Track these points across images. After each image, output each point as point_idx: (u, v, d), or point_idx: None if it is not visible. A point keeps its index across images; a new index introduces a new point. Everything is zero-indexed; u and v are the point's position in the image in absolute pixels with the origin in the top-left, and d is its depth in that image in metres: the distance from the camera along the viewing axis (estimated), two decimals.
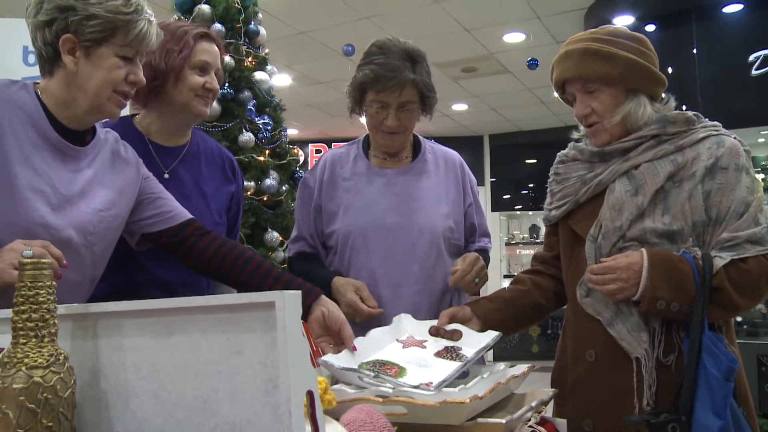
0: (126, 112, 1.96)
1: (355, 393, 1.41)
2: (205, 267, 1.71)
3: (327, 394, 1.20)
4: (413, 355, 1.60)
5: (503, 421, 1.30)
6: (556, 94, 1.92)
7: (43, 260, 0.82)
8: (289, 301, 0.75)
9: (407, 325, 1.76)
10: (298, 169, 3.87)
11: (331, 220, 2.10)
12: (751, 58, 4.88)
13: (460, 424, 1.29)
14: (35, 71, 3.83)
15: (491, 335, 1.70)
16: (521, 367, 1.58)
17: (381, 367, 1.49)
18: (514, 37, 6.95)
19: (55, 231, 1.44)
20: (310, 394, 0.80)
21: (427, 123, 2.13)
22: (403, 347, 1.64)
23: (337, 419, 1.12)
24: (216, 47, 1.91)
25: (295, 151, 4.03)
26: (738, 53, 5.29)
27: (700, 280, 1.55)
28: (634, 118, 1.74)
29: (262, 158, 3.56)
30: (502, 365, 1.62)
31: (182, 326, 0.82)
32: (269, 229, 3.57)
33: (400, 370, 1.50)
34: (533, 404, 1.47)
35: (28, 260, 0.81)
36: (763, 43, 5.13)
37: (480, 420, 1.32)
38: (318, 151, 11.56)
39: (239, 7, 3.73)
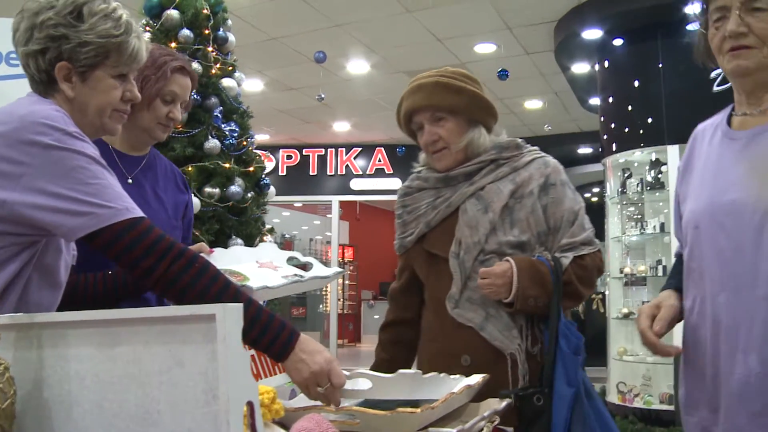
0: None
1: (307, 403, 1.42)
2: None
3: (275, 404, 1.22)
4: (263, 272, 1.75)
5: (454, 430, 1.32)
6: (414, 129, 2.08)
7: None
8: (229, 313, 0.77)
9: (270, 252, 1.90)
10: (263, 176, 3.87)
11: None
12: (713, 74, 4.98)
13: None
14: (16, 70, 3.79)
15: (334, 270, 1.92)
16: (476, 377, 1.61)
17: (229, 274, 1.57)
18: (485, 48, 7.03)
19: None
20: (250, 405, 0.82)
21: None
22: (258, 267, 1.79)
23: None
24: (190, 80, 2.03)
25: (264, 156, 4.03)
26: (701, 70, 5.34)
27: (554, 278, 1.86)
28: (476, 145, 1.99)
29: (227, 165, 3.56)
30: (456, 375, 1.64)
31: (125, 337, 0.83)
32: (233, 236, 3.56)
33: (244, 278, 1.64)
34: (486, 414, 1.49)
35: None
36: None
37: (432, 429, 1.34)
38: (289, 157, 11.56)
39: (208, 13, 3.73)
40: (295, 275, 1.77)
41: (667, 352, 1.56)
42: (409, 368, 2.07)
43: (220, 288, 1.33)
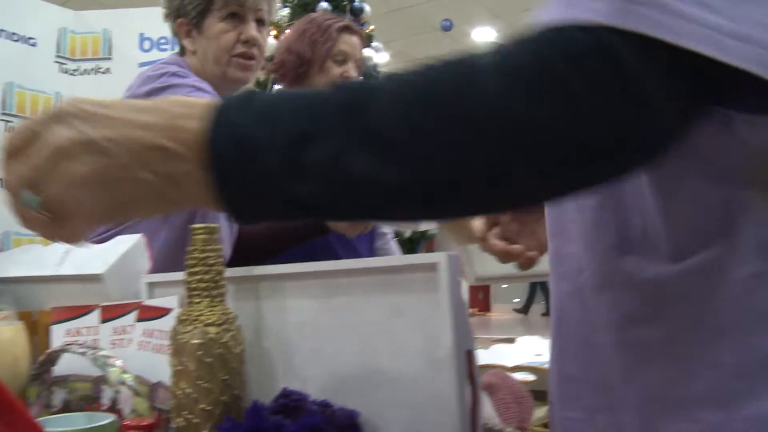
0: None
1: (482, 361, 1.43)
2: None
3: None
4: None
5: None
6: None
7: (212, 225, 0.86)
8: (451, 262, 0.77)
9: None
10: None
11: None
12: None
13: None
14: (151, 56, 4.00)
15: None
16: None
17: None
18: None
19: None
20: (469, 354, 0.82)
21: None
22: None
23: None
24: (358, 38, 2.04)
25: None
26: None
27: None
28: None
29: None
30: None
31: (344, 288, 0.85)
32: None
33: None
34: None
35: (201, 225, 0.85)
36: None
37: None
38: None
39: None
40: None
41: None
42: None
43: None
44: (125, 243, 1.14)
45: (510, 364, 1.42)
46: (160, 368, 0.97)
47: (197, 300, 0.84)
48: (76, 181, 0.48)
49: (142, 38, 4.18)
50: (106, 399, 1.01)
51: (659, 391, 0.62)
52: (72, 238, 0.55)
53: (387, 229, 2.06)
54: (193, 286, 0.85)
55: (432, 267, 0.77)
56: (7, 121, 3.41)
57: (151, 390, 0.97)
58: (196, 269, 0.84)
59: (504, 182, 0.50)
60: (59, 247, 1.23)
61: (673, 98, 0.50)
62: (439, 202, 0.51)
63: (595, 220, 0.67)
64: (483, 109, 0.48)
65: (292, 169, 0.47)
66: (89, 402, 1.02)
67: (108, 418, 0.88)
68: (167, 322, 0.98)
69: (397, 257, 0.82)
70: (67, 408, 1.02)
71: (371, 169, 0.47)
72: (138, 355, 1.02)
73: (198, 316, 0.83)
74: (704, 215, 0.60)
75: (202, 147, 0.47)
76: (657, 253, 0.62)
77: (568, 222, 0.71)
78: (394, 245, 2.16)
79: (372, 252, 2.05)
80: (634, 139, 0.50)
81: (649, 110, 0.49)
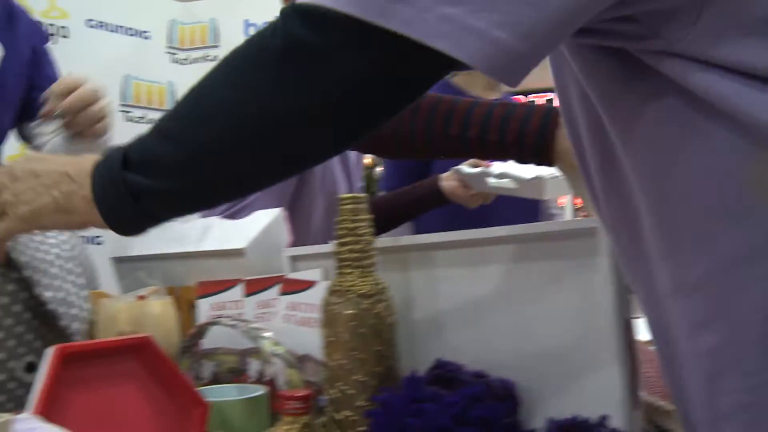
0: None
1: None
2: None
3: None
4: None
5: None
6: None
7: (360, 195, 0.86)
8: None
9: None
10: None
11: None
12: None
13: None
14: None
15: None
16: None
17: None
18: None
19: None
20: (627, 323, 0.79)
21: None
22: None
23: None
24: None
25: None
26: None
27: None
28: None
29: None
30: None
31: (496, 256, 0.84)
32: None
33: None
34: None
35: (348, 195, 0.85)
36: None
37: None
38: None
39: None
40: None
41: None
42: None
43: None
44: (265, 217, 1.16)
45: (644, 339, 1.37)
46: (306, 341, 0.98)
47: (348, 271, 0.84)
48: (18, 191, 0.75)
49: (247, 24, 4.25)
50: (252, 371, 1.03)
51: (746, 400, 0.55)
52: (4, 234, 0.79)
53: (556, 210, 1.88)
54: (344, 256, 0.85)
55: (591, 232, 0.74)
56: (126, 112, 3.55)
57: (298, 362, 0.98)
58: (346, 240, 0.84)
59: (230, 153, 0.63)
60: (199, 224, 1.27)
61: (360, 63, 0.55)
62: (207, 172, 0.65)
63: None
64: (205, 98, 0.63)
65: (125, 165, 0.66)
66: (236, 374, 1.04)
67: (260, 390, 0.90)
68: (311, 295, 0.99)
69: (552, 223, 0.80)
70: (215, 380, 1.05)
71: (165, 155, 0.65)
72: (283, 328, 1.03)
73: (350, 287, 0.83)
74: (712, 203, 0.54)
75: (89, 173, 0.70)
76: (695, 252, 0.56)
77: (620, 238, 0.64)
78: None
79: None
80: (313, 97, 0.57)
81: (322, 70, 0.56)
